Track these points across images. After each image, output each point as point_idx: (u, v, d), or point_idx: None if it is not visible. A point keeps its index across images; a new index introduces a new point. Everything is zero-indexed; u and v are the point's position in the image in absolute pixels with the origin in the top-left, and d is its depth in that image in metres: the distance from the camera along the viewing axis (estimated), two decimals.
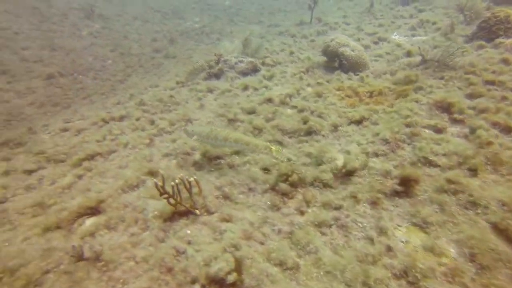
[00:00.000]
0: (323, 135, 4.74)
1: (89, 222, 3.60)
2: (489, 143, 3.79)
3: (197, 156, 4.48)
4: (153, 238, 3.11)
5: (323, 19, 13.15)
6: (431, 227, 2.85)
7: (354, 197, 3.51)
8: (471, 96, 5.06)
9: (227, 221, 3.20)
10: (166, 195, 3.12)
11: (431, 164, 3.80)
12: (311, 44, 10.26)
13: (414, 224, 3.02)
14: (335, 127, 4.90)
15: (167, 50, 13.64)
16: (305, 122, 4.87)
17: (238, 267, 2.59)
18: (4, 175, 4.99)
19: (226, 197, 3.53)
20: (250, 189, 3.68)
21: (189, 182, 3.21)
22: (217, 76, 7.87)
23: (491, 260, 2.41)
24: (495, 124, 4.28)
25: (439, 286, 2.38)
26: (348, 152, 4.27)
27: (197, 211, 3.28)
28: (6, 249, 3.35)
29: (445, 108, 4.84)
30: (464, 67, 5.89)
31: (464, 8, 9.00)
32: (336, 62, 7.51)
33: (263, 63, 8.19)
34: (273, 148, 3.57)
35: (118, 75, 11.65)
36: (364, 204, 3.44)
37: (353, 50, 7.30)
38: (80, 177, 4.66)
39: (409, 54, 7.75)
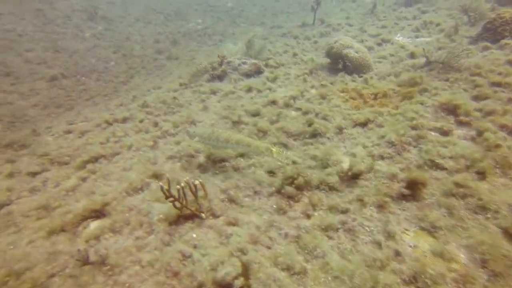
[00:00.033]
0: (328, 138, 4.71)
1: (94, 225, 3.59)
2: (497, 146, 3.74)
3: (201, 158, 4.47)
4: (158, 241, 3.09)
5: (326, 20, 13.13)
6: (439, 232, 2.82)
7: (360, 201, 3.48)
8: (477, 98, 5.02)
9: (233, 224, 3.17)
10: (171, 199, 3.10)
11: (438, 167, 3.76)
12: (314, 45, 10.24)
13: (422, 228, 2.99)
14: (340, 130, 4.87)
15: (169, 52, 13.67)
16: (310, 125, 4.85)
17: (245, 271, 2.56)
18: (8, 177, 5.00)
19: (231, 200, 3.51)
20: (255, 192, 3.65)
21: (195, 185, 3.19)
22: (220, 77, 7.86)
23: (503, 266, 2.37)
24: (502, 127, 4.24)
25: None
26: (353, 155, 4.24)
27: (203, 215, 3.26)
28: (11, 252, 3.34)
29: (451, 110, 4.80)
30: (470, 68, 5.85)
31: (468, 9, 8.96)
32: (340, 63, 7.48)
33: (266, 65, 8.17)
34: (274, 149, 3.59)
35: (121, 77, 11.69)
36: (371, 208, 3.40)
37: (357, 52, 7.27)
38: (84, 179, 4.65)
39: (413, 55, 7.71)
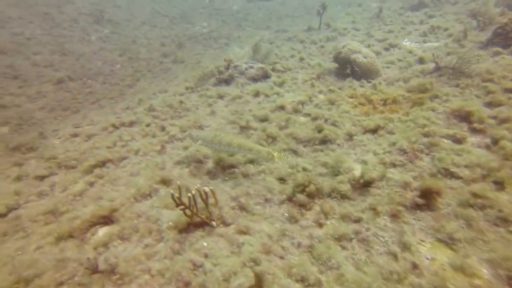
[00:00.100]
0: (338, 144, 4.65)
1: (102, 231, 3.55)
2: None
3: (210, 164, 4.42)
4: (168, 250, 3.03)
5: (332, 24, 13.11)
6: (458, 244, 2.74)
7: (373, 210, 3.41)
8: (490, 105, 4.93)
9: (244, 233, 3.11)
10: (182, 206, 3.05)
11: (452, 176, 3.68)
12: (321, 50, 10.21)
13: (439, 240, 2.90)
14: (350, 136, 4.81)
15: (175, 55, 13.71)
16: (319, 131, 4.79)
17: (259, 283, 2.50)
18: (16, 180, 4.99)
19: (242, 208, 3.45)
20: (266, 200, 3.59)
21: (206, 193, 3.14)
22: (227, 82, 7.83)
23: None
24: None
25: None
26: (364, 162, 4.18)
27: (214, 223, 3.21)
28: (20, 258, 3.30)
29: (464, 117, 4.72)
30: (481, 74, 5.77)
31: (477, 14, 8.88)
32: (348, 68, 7.43)
33: (273, 69, 8.14)
34: (275, 154, 3.59)
35: (127, 80, 11.72)
36: (384, 217, 3.33)
37: (365, 57, 7.22)
38: (91, 184, 4.62)
39: (421, 61, 7.65)
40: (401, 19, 12.47)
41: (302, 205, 3.51)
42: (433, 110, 5.10)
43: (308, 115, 5.49)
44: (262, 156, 3.66)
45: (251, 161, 4.27)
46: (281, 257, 2.84)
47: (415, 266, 2.66)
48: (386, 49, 9.39)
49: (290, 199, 3.57)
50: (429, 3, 13.26)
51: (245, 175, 4.06)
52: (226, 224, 3.25)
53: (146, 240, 3.23)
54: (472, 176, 3.50)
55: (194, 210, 3.11)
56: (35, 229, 3.81)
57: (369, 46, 9.24)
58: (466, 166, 3.71)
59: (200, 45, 15.19)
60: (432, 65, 6.93)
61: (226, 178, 4.05)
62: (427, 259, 2.73)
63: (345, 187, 3.69)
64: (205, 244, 3.01)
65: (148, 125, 6.24)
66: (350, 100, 6.01)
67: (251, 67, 7.87)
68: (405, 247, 2.89)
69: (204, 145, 4.15)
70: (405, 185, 3.67)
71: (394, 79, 6.88)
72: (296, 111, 5.69)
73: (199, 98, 7.26)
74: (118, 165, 5.03)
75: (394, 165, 4.10)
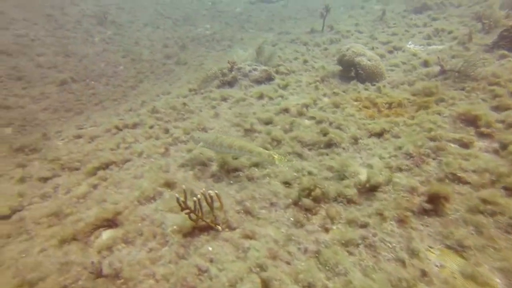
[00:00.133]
0: (344, 148, 4.61)
1: (106, 235, 3.52)
2: None
3: (214, 167, 4.39)
4: (173, 254, 3.00)
5: (335, 27, 13.09)
6: (468, 251, 2.69)
7: (380, 215, 3.36)
8: (497, 109, 4.88)
9: (250, 238, 3.08)
10: (187, 210, 3.02)
11: (460, 181, 3.63)
12: (324, 52, 10.18)
13: (448, 247, 2.86)
14: (355, 140, 4.77)
15: (178, 57, 13.73)
16: (324, 134, 4.75)
17: None
18: (20, 182, 4.98)
19: (247, 212, 3.42)
20: (271, 204, 3.56)
21: (211, 197, 3.11)
22: (230, 84, 7.82)
23: None
24: None
25: None
26: (370, 166, 4.14)
27: (219, 227, 3.17)
28: (24, 261, 3.29)
29: (470, 121, 4.67)
30: (487, 77, 5.72)
31: (482, 17, 8.83)
32: (352, 71, 7.40)
33: (277, 72, 8.12)
34: (276, 156, 3.61)
35: (130, 81, 11.74)
36: (391, 222, 3.28)
37: (369, 60, 7.19)
38: (95, 186, 4.60)
39: (426, 63, 7.60)
40: (405, 22, 12.43)
41: (307, 210, 3.47)
42: (439, 114, 5.05)
43: (312, 118, 5.46)
44: (263, 158, 3.69)
45: (256, 165, 4.24)
46: (288, 263, 2.80)
47: (424, 274, 2.61)
48: (390, 52, 9.35)
49: (295, 203, 3.53)
50: (433, 5, 13.22)
51: (250, 179, 4.03)
52: (231, 228, 3.22)
53: (151, 244, 3.20)
54: (481, 181, 3.46)
55: (200, 214, 3.08)
56: (39, 231, 3.79)
57: (373, 48, 9.22)
58: (474, 171, 3.66)
59: (203, 47, 15.21)
60: (437, 68, 6.88)
61: (231, 182, 4.02)
62: (437, 266, 2.69)
63: (351, 192, 3.65)
64: (210, 248, 2.97)
65: (151, 127, 6.22)
66: (355, 103, 5.98)
67: (255, 69, 7.85)
68: (414, 253, 2.85)
69: (206, 147, 4.18)
70: (412, 190, 3.62)
71: (398, 82, 6.85)
72: (300, 114, 5.66)
73: (203, 100, 7.24)
74: (122, 167, 5.01)
75: (400, 170, 4.06)
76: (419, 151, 4.25)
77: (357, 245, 3.03)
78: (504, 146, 3.94)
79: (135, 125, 6.55)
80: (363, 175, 3.91)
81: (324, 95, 6.57)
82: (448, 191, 3.37)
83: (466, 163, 3.81)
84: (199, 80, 8.54)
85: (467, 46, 8.12)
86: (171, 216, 3.48)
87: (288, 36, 13.76)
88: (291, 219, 3.35)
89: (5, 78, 10.03)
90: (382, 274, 2.68)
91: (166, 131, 5.91)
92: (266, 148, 4.52)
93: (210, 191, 3.12)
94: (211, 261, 2.84)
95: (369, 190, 3.74)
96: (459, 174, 3.68)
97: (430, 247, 2.93)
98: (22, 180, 5.01)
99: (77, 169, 5.20)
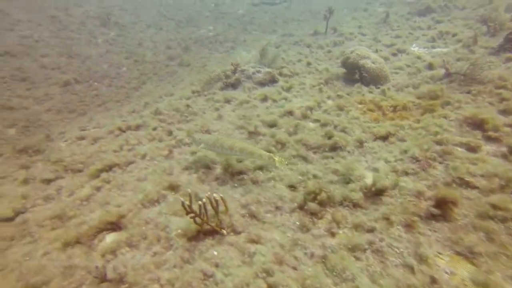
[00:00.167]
0: (349, 151, 4.57)
1: (110, 238, 3.49)
2: None
3: (218, 170, 4.36)
4: (177, 258, 2.97)
5: (338, 29, 13.07)
6: (479, 258, 2.64)
7: (387, 219, 3.32)
8: (504, 112, 4.83)
9: (256, 242, 3.04)
10: (192, 214, 2.98)
11: (468, 185, 3.58)
12: (328, 54, 10.16)
13: (458, 253, 2.81)
14: (360, 143, 4.73)
15: (181, 58, 13.73)
16: (329, 137, 4.72)
17: None
18: (23, 183, 4.96)
19: (252, 216, 3.39)
20: (277, 208, 3.52)
21: (216, 201, 3.07)
22: (234, 86, 7.80)
23: None
24: None
25: None
26: (376, 170, 4.10)
27: (224, 231, 3.14)
28: (27, 264, 3.26)
29: (477, 124, 4.62)
30: (494, 81, 5.67)
31: (487, 20, 8.78)
32: (356, 74, 7.36)
33: (280, 74, 8.09)
34: (276, 159, 3.61)
35: (133, 83, 11.74)
36: (398, 227, 3.24)
37: (374, 63, 7.16)
38: (98, 189, 4.57)
39: (431, 66, 7.56)
40: (409, 24, 12.40)
41: (313, 214, 3.43)
42: (445, 117, 5.01)
43: (317, 121, 5.42)
44: (264, 160, 3.70)
45: (261, 168, 4.21)
46: (294, 268, 2.76)
47: (433, 281, 2.56)
48: (394, 55, 9.31)
49: (301, 207, 3.50)
50: (437, 8, 13.18)
51: (255, 182, 4.00)
52: (236, 233, 3.18)
53: (155, 248, 3.17)
54: (490, 186, 3.41)
55: (205, 218, 3.05)
56: (42, 234, 3.77)
57: (376, 51, 9.18)
58: (482, 176, 3.61)
59: (206, 48, 15.22)
60: (442, 71, 6.84)
61: (235, 185, 3.98)
62: (447, 273, 2.64)
63: (357, 196, 3.61)
64: (215, 253, 2.94)
65: (154, 129, 6.20)
66: (359, 106, 5.94)
67: (258, 72, 7.83)
68: (422, 259, 2.81)
69: (207, 149, 4.19)
70: (419, 194, 3.58)
71: (403, 85, 6.80)
72: (304, 116, 5.62)
73: (206, 102, 7.22)
74: (125, 169, 4.99)
75: (406, 173, 4.01)
76: (425, 155, 4.20)
77: (364, 250, 2.99)
78: None
79: (138, 127, 6.54)
80: (369, 179, 3.88)
81: (328, 97, 6.53)
82: (456, 195, 3.32)
83: (474, 167, 3.76)
84: (202, 82, 8.52)
85: (472, 49, 8.07)
86: (176, 219, 3.45)
87: (292, 38, 13.75)
88: (297, 223, 3.32)
89: (9, 79, 10.07)
90: (390, 280, 2.64)
91: (170, 133, 5.89)
92: (271, 151, 4.48)
93: (215, 195, 3.09)
94: (216, 265, 2.80)
95: (375, 194, 3.70)
96: (467, 179, 3.63)
97: (439, 253, 2.89)
98: (25, 181, 4.99)
99: (80, 171, 5.18)
